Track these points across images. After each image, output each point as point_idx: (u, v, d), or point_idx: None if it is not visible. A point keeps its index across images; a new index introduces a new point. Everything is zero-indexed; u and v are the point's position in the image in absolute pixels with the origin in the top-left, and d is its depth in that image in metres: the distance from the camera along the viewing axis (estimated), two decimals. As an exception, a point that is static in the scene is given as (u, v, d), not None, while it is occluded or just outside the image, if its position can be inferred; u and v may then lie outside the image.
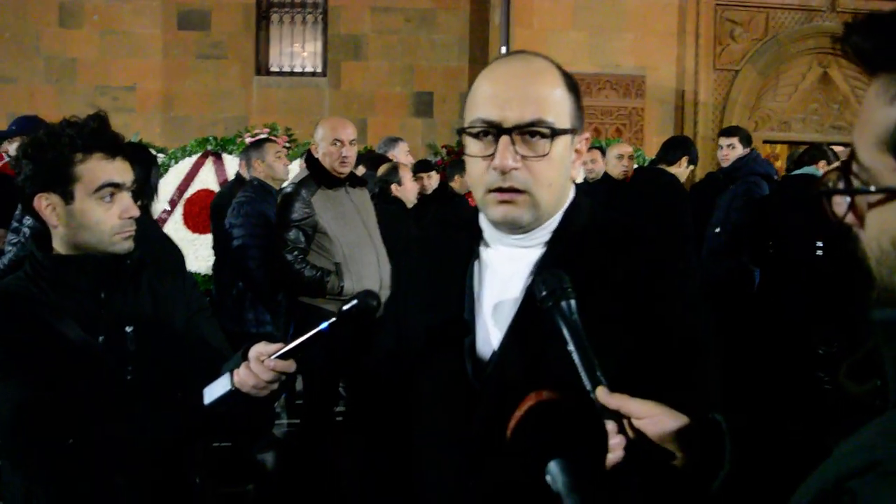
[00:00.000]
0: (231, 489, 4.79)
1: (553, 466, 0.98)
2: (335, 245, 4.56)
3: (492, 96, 1.42)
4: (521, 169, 1.40)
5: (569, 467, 0.97)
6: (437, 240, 1.67)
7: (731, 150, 6.14)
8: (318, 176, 4.61)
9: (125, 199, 1.93)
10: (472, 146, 1.45)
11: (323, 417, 4.84)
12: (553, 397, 1.05)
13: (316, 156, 4.65)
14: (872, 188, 0.83)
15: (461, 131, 1.47)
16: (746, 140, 6.24)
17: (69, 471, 1.82)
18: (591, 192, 5.53)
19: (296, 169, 7.55)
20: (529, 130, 1.39)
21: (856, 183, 0.86)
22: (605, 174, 6.75)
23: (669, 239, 1.52)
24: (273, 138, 6.09)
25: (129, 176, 1.94)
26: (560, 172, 1.46)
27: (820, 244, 5.23)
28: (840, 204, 0.88)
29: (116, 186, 1.91)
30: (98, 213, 1.89)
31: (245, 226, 5.11)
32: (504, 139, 1.39)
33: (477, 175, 1.45)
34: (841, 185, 0.87)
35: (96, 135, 1.89)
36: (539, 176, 1.41)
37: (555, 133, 1.40)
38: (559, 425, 1.03)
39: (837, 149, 9.40)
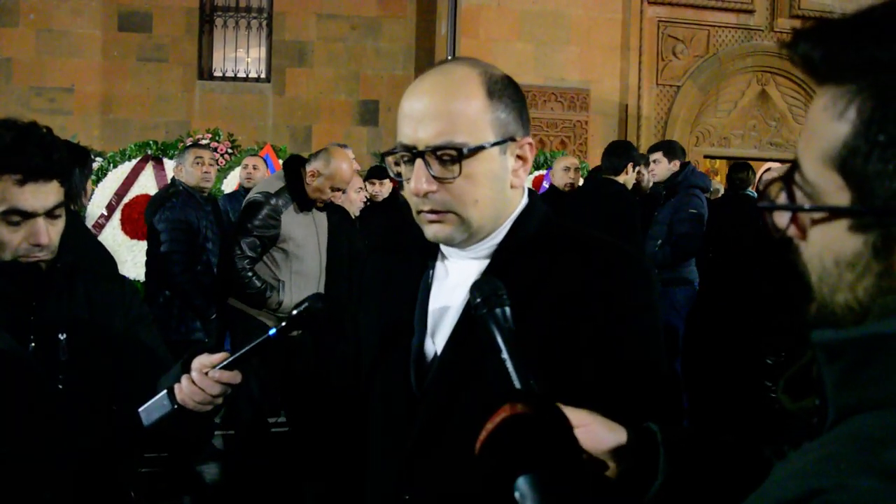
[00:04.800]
0: (167, 501, 4.69)
1: (522, 483, 0.94)
2: (287, 263, 4.55)
3: (407, 116, 1.41)
4: (439, 190, 1.38)
5: (539, 484, 0.94)
6: (394, 251, 1.66)
7: (656, 165, 6.14)
8: (296, 194, 4.56)
9: (37, 224, 1.76)
10: (399, 169, 1.44)
11: (261, 428, 4.79)
12: (527, 411, 1.01)
13: (311, 183, 4.54)
14: (817, 206, 0.81)
15: (385, 155, 1.45)
16: (671, 153, 6.21)
17: None
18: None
19: (234, 178, 7.44)
20: (439, 154, 1.37)
21: (798, 195, 0.83)
22: (551, 185, 6.79)
23: (620, 247, 1.48)
24: (200, 145, 5.99)
25: (47, 201, 1.76)
26: (490, 187, 1.42)
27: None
28: (782, 216, 0.86)
29: (23, 214, 1.74)
30: (2, 234, 1.75)
31: (168, 231, 5.05)
32: (418, 162, 1.37)
33: (408, 197, 1.45)
34: (783, 198, 0.85)
35: (8, 154, 1.70)
36: (459, 196, 1.39)
37: (464, 155, 1.36)
38: (531, 440, 0.99)
39: (775, 165, 9.60)
